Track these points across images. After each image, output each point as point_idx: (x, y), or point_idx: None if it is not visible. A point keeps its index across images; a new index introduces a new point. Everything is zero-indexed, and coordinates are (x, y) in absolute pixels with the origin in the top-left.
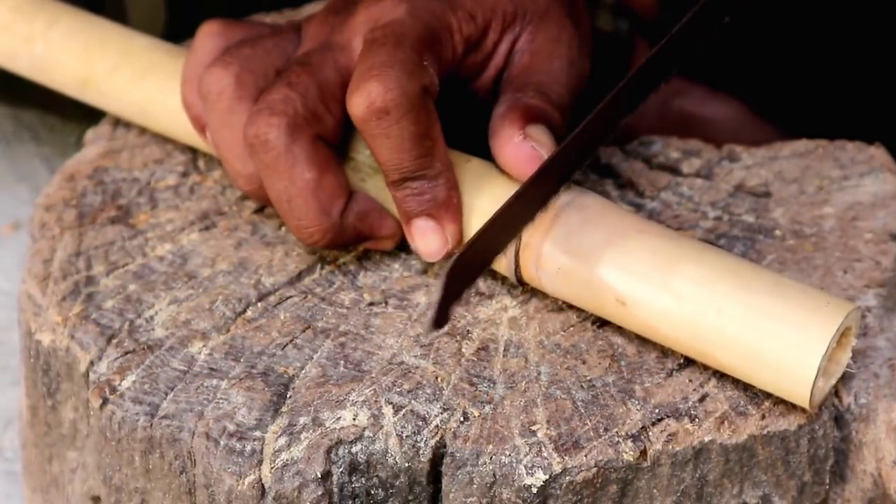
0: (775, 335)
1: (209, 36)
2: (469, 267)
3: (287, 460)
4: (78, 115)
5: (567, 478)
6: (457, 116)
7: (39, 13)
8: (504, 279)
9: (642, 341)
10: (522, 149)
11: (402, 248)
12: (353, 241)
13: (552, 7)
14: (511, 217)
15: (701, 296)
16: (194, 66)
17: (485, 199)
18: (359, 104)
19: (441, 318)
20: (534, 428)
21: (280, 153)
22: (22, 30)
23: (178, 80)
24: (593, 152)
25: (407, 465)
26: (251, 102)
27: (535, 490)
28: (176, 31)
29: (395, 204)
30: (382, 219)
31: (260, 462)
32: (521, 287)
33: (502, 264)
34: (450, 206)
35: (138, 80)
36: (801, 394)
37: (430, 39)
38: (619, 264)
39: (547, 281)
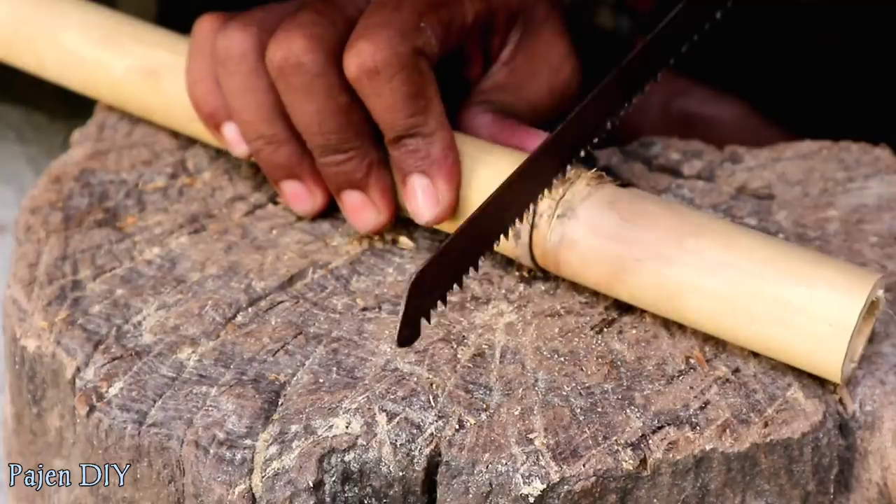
0: (795, 348)
1: (210, 32)
2: (465, 253)
3: (278, 469)
4: (64, 115)
5: (565, 487)
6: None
7: (14, 48)
8: (501, 283)
9: (642, 347)
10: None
11: (397, 251)
12: (362, 179)
13: (550, 17)
14: (508, 202)
15: (708, 326)
16: (201, 63)
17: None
18: (350, 63)
19: (407, 333)
20: (531, 436)
21: (316, 75)
22: (20, 63)
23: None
24: (582, 147)
25: (401, 473)
26: None
27: (532, 500)
28: (168, 20)
29: (393, 165)
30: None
31: (250, 471)
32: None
33: (511, 250)
34: (444, 165)
35: (141, 111)
36: (832, 367)
37: (435, 2)
38: (627, 293)
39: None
